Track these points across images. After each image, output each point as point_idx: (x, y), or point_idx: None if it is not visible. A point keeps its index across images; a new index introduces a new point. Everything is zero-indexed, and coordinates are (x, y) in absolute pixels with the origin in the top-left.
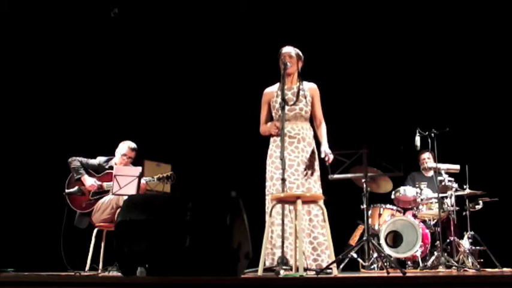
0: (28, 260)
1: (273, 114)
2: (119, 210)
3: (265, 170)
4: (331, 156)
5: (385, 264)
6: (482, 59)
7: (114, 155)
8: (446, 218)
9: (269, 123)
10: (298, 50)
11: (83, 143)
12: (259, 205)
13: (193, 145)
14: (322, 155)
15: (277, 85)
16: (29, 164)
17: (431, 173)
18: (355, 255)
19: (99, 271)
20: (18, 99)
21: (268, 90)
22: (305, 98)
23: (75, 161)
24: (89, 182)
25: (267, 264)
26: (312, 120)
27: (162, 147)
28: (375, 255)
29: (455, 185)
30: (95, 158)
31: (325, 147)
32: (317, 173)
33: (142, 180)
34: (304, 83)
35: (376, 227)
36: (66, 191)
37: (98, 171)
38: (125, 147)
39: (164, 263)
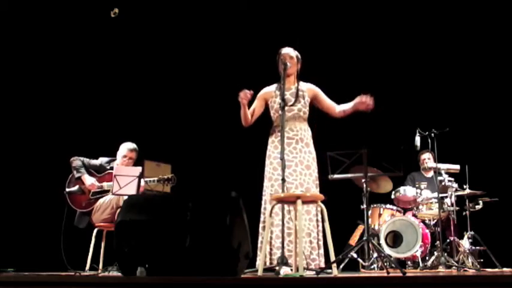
0: (28, 260)
1: (272, 114)
2: (119, 210)
3: (264, 170)
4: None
5: (385, 264)
6: (482, 59)
7: (115, 156)
8: (446, 218)
9: None
10: (297, 52)
11: (83, 142)
12: (260, 205)
13: (193, 145)
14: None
15: (275, 85)
16: (29, 164)
17: (431, 173)
18: (355, 255)
19: (99, 271)
20: (20, 99)
21: (266, 89)
22: (303, 98)
23: (77, 160)
24: (89, 181)
25: (267, 264)
26: (309, 120)
27: (162, 147)
28: (375, 255)
29: (455, 185)
30: (95, 157)
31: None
32: (315, 173)
33: (143, 182)
34: (302, 83)
35: (376, 227)
36: (67, 189)
37: (99, 171)
38: (124, 148)
39: (164, 263)
